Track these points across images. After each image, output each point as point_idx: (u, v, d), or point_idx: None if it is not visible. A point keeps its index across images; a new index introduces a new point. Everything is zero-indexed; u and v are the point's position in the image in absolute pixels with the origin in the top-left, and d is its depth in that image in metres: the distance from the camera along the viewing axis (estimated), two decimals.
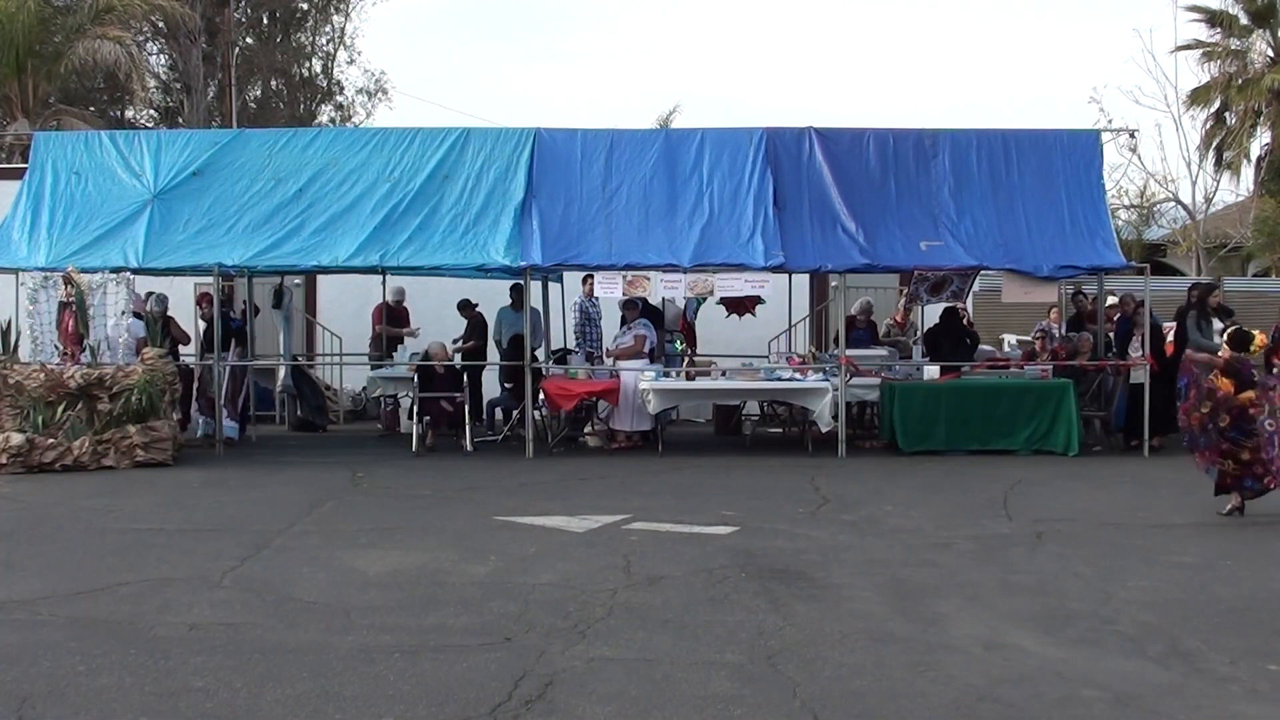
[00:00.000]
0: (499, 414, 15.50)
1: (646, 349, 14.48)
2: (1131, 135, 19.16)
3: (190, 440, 14.13)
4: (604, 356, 15.10)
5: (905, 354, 15.41)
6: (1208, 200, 31.84)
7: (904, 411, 13.64)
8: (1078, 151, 14.59)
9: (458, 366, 14.79)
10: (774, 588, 7.30)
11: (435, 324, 16.23)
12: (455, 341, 15.81)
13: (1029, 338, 17.47)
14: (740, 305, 15.36)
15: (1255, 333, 10.02)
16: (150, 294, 14.49)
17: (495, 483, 11.62)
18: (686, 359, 15.25)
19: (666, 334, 15.64)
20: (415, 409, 14.19)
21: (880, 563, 8.05)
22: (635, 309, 14.55)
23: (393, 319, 16.45)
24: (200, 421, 14.63)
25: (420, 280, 15.95)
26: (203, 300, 15.08)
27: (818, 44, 70.31)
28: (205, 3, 31.22)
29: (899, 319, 16.17)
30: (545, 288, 15.24)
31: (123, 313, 13.11)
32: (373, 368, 16.16)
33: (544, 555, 8.21)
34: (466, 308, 15.92)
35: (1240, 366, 9.71)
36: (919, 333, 15.99)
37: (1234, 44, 31.52)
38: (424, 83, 74.11)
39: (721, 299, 15.01)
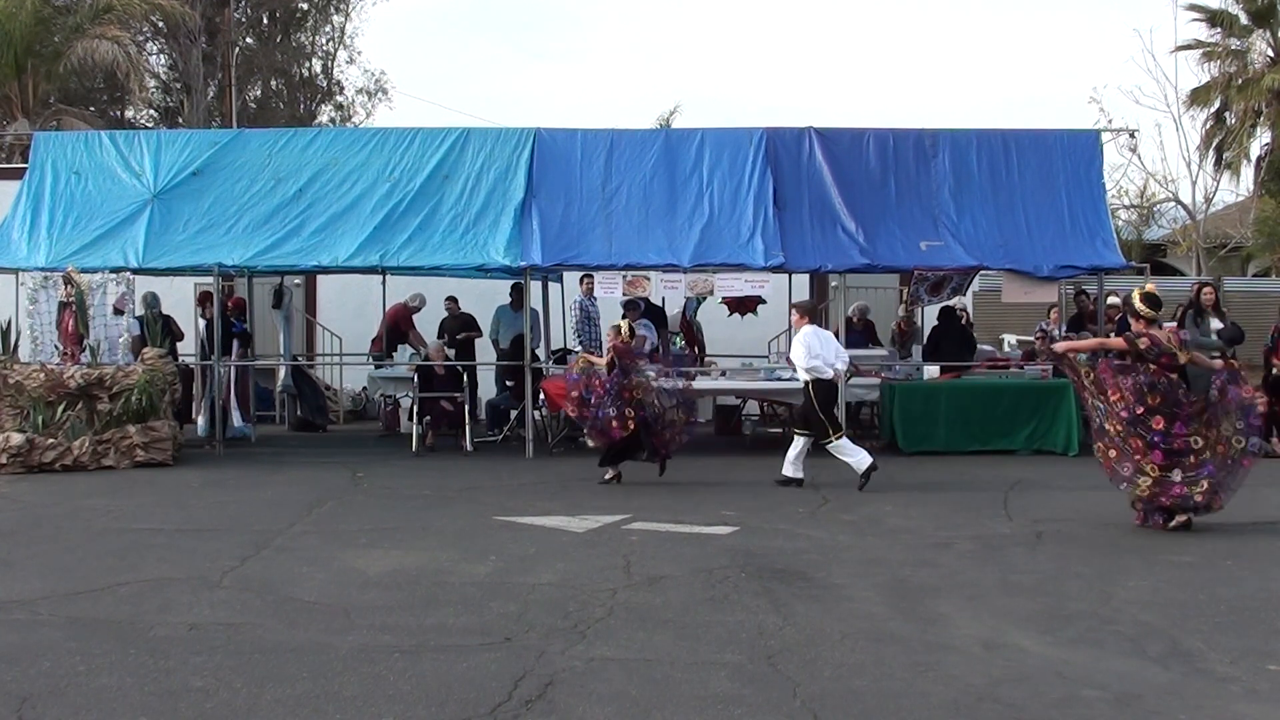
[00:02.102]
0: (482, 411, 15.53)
1: (647, 349, 14.47)
2: (1131, 135, 19.17)
3: (191, 440, 14.13)
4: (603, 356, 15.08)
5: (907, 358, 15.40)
6: (1208, 200, 31.81)
7: (904, 412, 13.64)
8: (1078, 151, 14.60)
9: (459, 368, 14.79)
10: (774, 588, 7.30)
11: (435, 324, 16.26)
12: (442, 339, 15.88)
13: (1029, 338, 17.46)
14: (742, 305, 15.37)
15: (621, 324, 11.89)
16: (148, 294, 14.50)
17: (495, 483, 11.62)
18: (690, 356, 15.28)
19: (671, 334, 15.65)
20: (415, 409, 14.19)
21: (880, 563, 8.05)
22: (637, 310, 14.55)
23: (408, 324, 16.42)
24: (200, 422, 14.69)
25: (421, 280, 15.96)
26: (204, 300, 15.10)
27: (818, 44, 70.33)
28: (205, 3, 31.22)
29: (901, 325, 16.15)
30: (545, 288, 15.25)
31: (114, 310, 13.13)
32: (375, 367, 16.17)
33: (544, 555, 8.21)
34: (453, 303, 16.01)
35: (624, 356, 11.32)
36: (923, 338, 15.93)
37: (1234, 44, 31.48)
38: (424, 83, 74.11)
39: (724, 298, 15.02)
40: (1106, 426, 9.10)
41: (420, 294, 16.31)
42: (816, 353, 10.99)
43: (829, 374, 11.07)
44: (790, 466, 11.13)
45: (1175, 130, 52.06)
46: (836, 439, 10.96)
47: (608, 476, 11.29)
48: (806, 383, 11.05)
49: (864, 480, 10.87)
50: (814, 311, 11.59)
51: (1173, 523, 9.01)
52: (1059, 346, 9.79)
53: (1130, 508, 9.24)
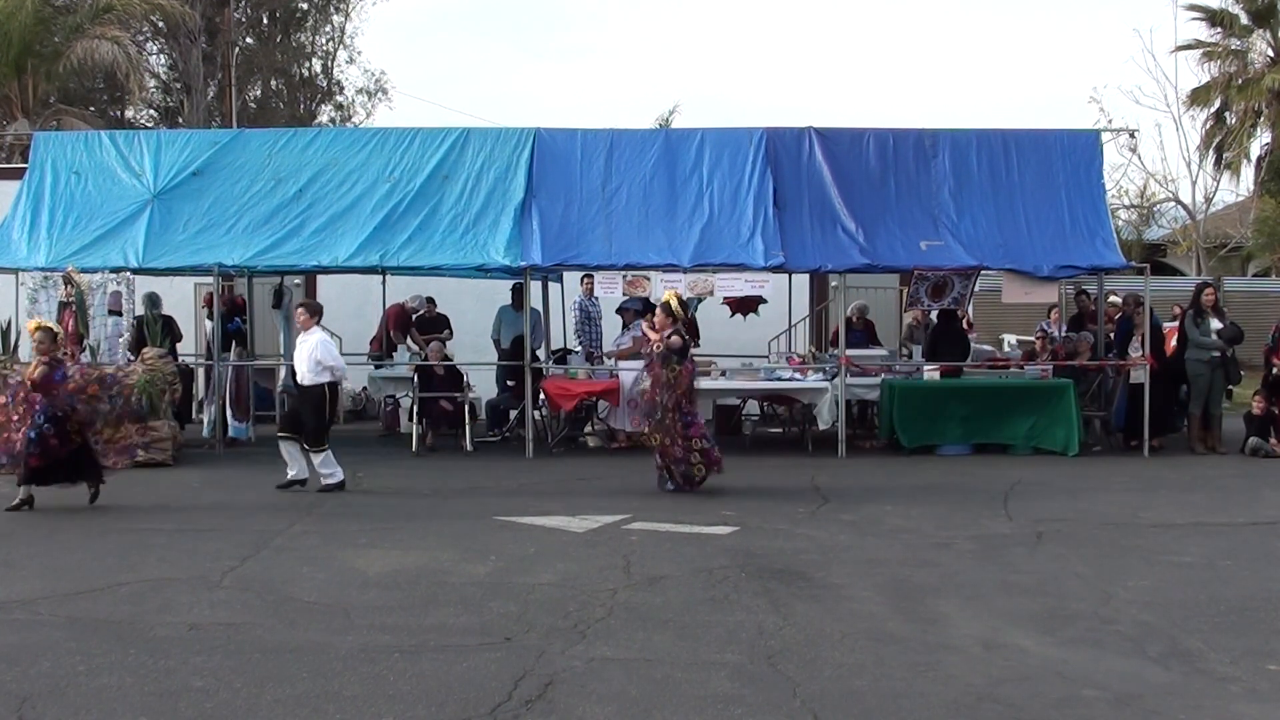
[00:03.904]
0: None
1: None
2: (1131, 135, 19.21)
3: (191, 440, 14.12)
4: (604, 356, 15.11)
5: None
6: (1208, 200, 31.87)
7: (904, 410, 13.65)
8: (1078, 151, 14.58)
9: (458, 367, 14.79)
10: (774, 588, 7.30)
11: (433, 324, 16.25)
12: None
13: (1029, 338, 17.46)
14: (744, 305, 15.36)
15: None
16: (144, 295, 14.49)
17: (495, 483, 11.62)
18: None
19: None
20: (415, 409, 14.18)
21: (880, 563, 8.05)
22: (630, 313, 14.53)
23: (421, 325, 16.41)
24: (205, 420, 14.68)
25: (421, 280, 15.96)
26: (211, 301, 15.11)
27: (818, 44, 70.35)
28: (205, 3, 31.21)
29: (920, 318, 16.14)
30: (545, 288, 15.25)
31: (109, 311, 13.13)
32: (375, 368, 16.16)
33: (544, 555, 8.21)
34: (430, 303, 16.19)
35: (50, 375, 9.95)
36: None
37: (1234, 44, 31.53)
38: (424, 83, 74.16)
39: (725, 299, 15.01)
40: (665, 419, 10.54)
41: (420, 296, 16.31)
42: (335, 356, 10.95)
43: (347, 378, 11.10)
44: (324, 470, 10.83)
45: (1175, 130, 52.17)
46: (325, 449, 10.87)
47: (18, 501, 9.92)
48: (325, 385, 10.85)
49: (324, 489, 10.75)
50: (322, 312, 11.34)
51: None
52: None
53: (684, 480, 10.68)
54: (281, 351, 16.73)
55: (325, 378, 10.89)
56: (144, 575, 7.63)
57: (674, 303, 10.99)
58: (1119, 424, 14.29)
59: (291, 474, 10.94)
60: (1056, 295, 15.72)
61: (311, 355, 10.86)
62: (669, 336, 10.69)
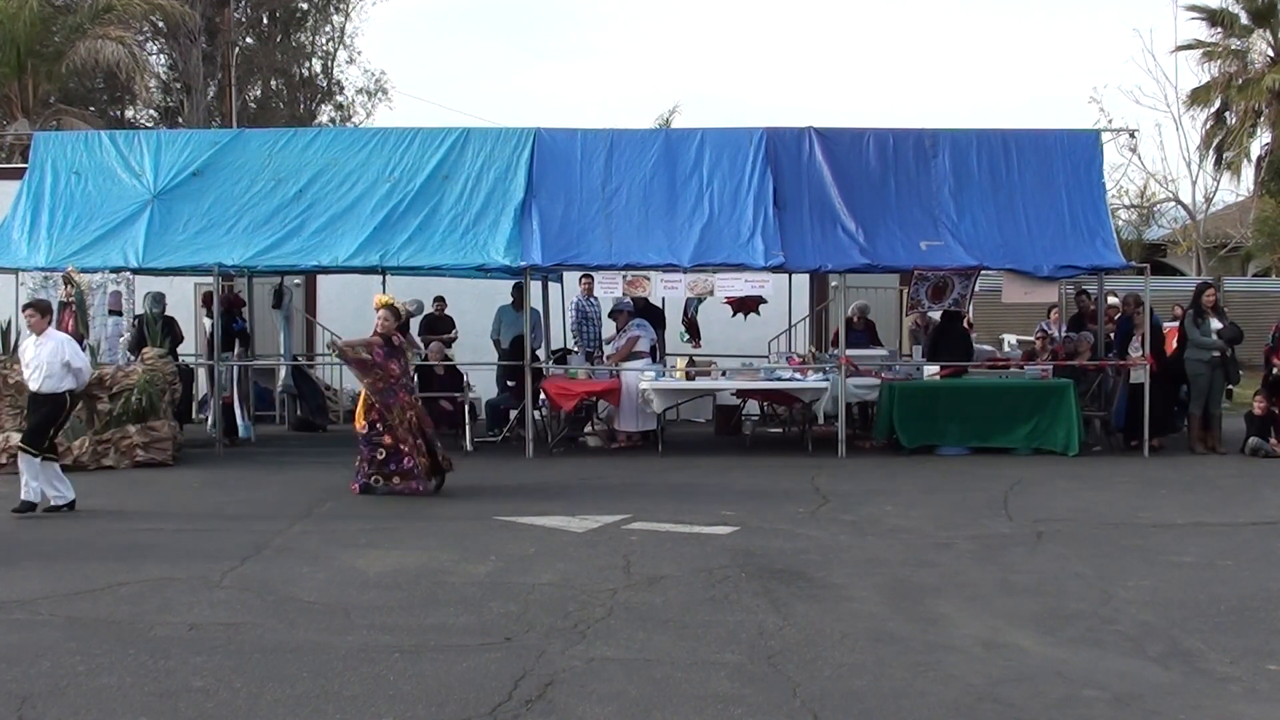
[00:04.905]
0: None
1: (646, 348, 14.45)
2: (1131, 135, 19.22)
3: (192, 440, 14.12)
4: (602, 356, 15.11)
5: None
6: (1208, 200, 31.88)
7: (904, 410, 13.65)
8: (1078, 151, 14.57)
9: (458, 367, 14.79)
10: (774, 588, 7.30)
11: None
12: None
13: (1029, 338, 17.45)
14: (746, 304, 15.37)
15: None
16: (148, 294, 14.50)
17: (495, 483, 11.62)
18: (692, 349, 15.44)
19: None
20: None
21: (880, 563, 8.05)
22: (623, 315, 14.51)
23: (429, 325, 16.43)
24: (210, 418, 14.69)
25: (421, 280, 15.95)
26: (208, 301, 15.11)
27: (818, 44, 70.39)
28: (205, 3, 31.22)
29: (920, 322, 16.15)
30: (545, 288, 15.25)
31: (110, 311, 13.14)
32: None
33: (544, 555, 8.21)
34: (439, 303, 16.22)
35: None
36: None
37: (1234, 44, 31.54)
38: (424, 83, 74.20)
39: (727, 298, 15.02)
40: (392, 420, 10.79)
41: (418, 300, 16.29)
42: (82, 355, 10.14)
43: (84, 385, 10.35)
44: (32, 488, 9.75)
45: (1175, 130, 52.25)
46: (35, 457, 9.77)
47: None
48: (66, 393, 9.90)
49: (22, 509, 9.69)
50: (53, 310, 10.51)
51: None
52: (342, 343, 11.33)
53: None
54: (282, 351, 16.75)
55: (69, 384, 9.89)
56: (144, 575, 7.62)
57: (396, 304, 11.22)
58: (1119, 424, 14.29)
59: (25, 495, 9.79)
60: (1056, 295, 15.72)
61: (58, 358, 9.79)
62: (398, 343, 10.98)
